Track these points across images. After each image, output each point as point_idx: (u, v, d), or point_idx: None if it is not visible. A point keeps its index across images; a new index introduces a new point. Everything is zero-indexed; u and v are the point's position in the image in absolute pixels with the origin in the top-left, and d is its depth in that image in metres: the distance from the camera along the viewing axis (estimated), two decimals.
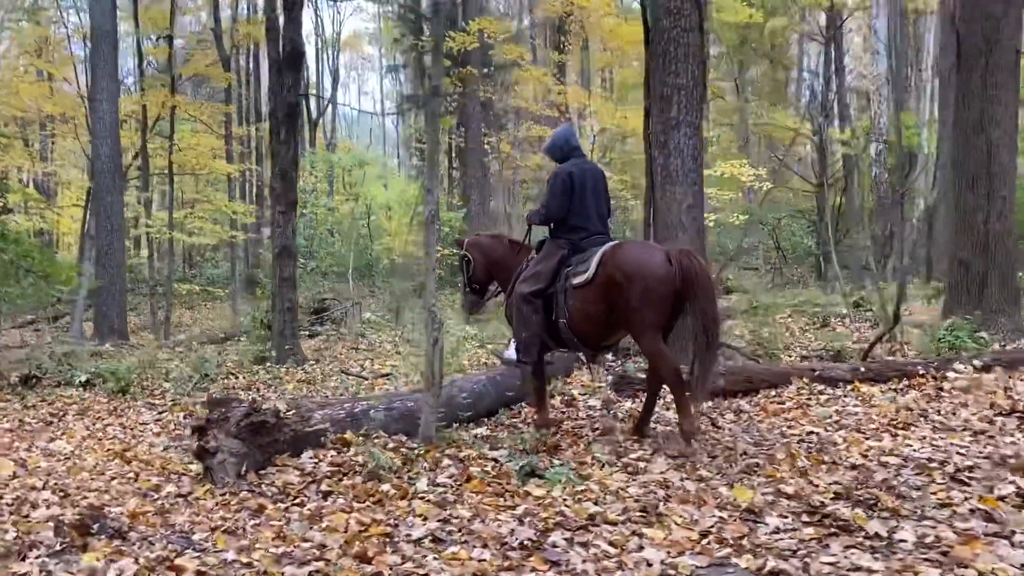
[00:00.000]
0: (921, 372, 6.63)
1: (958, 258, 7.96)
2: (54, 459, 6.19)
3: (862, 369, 6.72)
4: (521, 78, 18.11)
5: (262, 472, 4.61)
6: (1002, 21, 8.03)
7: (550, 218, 5.69)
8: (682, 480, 4.37)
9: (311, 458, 4.83)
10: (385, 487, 4.28)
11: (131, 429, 7.37)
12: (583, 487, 4.23)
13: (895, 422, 5.44)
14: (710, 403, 6.43)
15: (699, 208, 7.75)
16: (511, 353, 5.82)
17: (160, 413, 8.01)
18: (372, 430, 5.32)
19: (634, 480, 4.40)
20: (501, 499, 4.11)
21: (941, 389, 6.34)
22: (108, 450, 6.43)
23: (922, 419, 5.49)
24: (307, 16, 30.03)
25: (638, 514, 3.80)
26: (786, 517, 3.74)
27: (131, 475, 5.12)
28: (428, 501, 4.05)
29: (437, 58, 5.01)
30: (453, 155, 26.71)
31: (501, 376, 6.85)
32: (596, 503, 3.97)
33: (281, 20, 10.06)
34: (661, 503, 3.92)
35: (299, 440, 4.89)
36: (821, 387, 6.57)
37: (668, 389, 5.36)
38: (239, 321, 22.54)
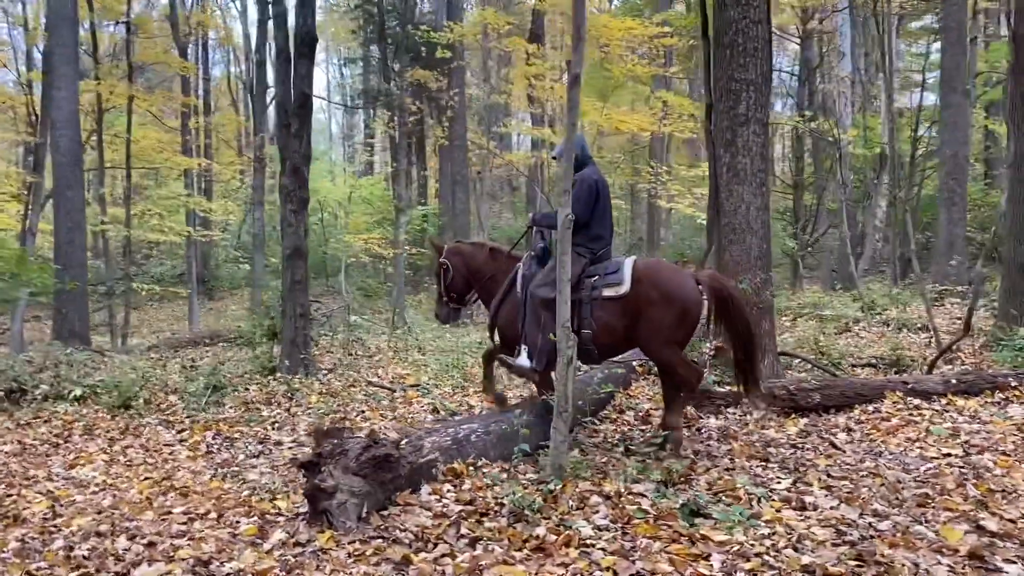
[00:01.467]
0: (1013, 384, 6.36)
1: (1018, 263, 7.72)
2: (88, 490, 5.50)
3: (954, 381, 6.41)
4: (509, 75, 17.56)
5: (384, 513, 4.01)
6: None
7: (580, 223, 5.27)
8: (860, 517, 3.93)
9: (430, 494, 4.25)
10: (540, 531, 3.73)
11: (155, 452, 6.65)
12: (763, 528, 3.76)
13: None
14: (806, 420, 6.09)
15: (767, 211, 7.36)
16: (523, 360, 5.51)
17: (180, 432, 7.28)
18: (475, 458, 4.80)
19: (808, 518, 3.94)
20: (680, 544, 3.61)
21: None
22: (147, 479, 5.74)
23: None
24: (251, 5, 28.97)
25: (854, 563, 3.35)
26: (1015, 563, 3.35)
27: (208, 514, 4.46)
28: (603, 550, 3.52)
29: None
30: (412, 150, 26.04)
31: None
32: (796, 549, 3.50)
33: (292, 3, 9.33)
34: (875, 548, 3.47)
35: (414, 473, 4.31)
36: (916, 401, 6.25)
37: (684, 389, 5.35)
38: (203, 325, 21.68)
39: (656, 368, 6.23)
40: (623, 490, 4.21)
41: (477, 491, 4.32)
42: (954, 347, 7.61)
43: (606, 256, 5.53)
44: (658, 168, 17.86)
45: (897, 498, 4.21)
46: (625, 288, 5.19)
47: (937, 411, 6.03)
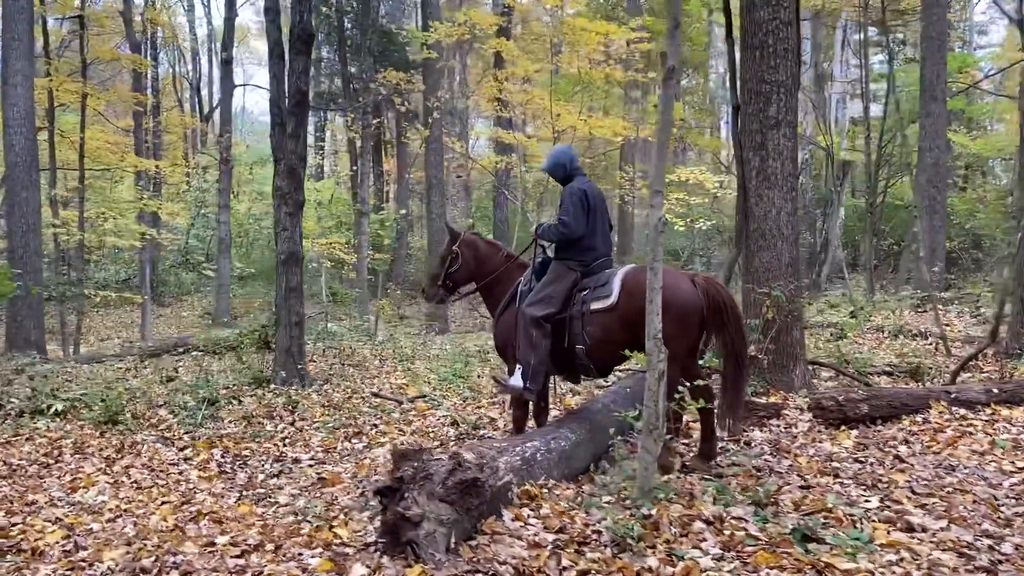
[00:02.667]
0: None
1: (1007, 270, 7.70)
2: (102, 517, 5.02)
3: (995, 391, 6.31)
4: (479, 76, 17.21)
5: (472, 543, 3.66)
6: None
7: (569, 236, 5.32)
8: (976, 539, 3.72)
9: (513, 519, 3.91)
10: (651, 562, 3.43)
11: (162, 472, 6.17)
12: (885, 554, 3.52)
13: None
14: (856, 432, 5.91)
15: (796, 216, 7.19)
16: (516, 380, 5.32)
17: (182, 450, 6.79)
18: (544, 479, 4.49)
19: (923, 541, 3.71)
20: (806, 574, 3.34)
21: None
22: (165, 503, 5.28)
23: None
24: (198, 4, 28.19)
25: None
26: None
27: (263, 546, 4.04)
28: None
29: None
30: (357, 150, 25.27)
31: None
32: None
33: None
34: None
35: (494, 498, 3.96)
36: (961, 411, 6.13)
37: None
38: (155, 333, 20.81)
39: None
40: (723, 514, 3.92)
41: (560, 516, 3.99)
42: (978, 356, 7.53)
43: (602, 267, 5.40)
44: (632, 174, 17.71)
45: (1001, 517, 4.02)
46: (612, 299, 5.09)
47: (987, 421, 5.91)
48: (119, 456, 6.63)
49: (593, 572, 3.40)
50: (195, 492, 5.56)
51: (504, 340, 5.61)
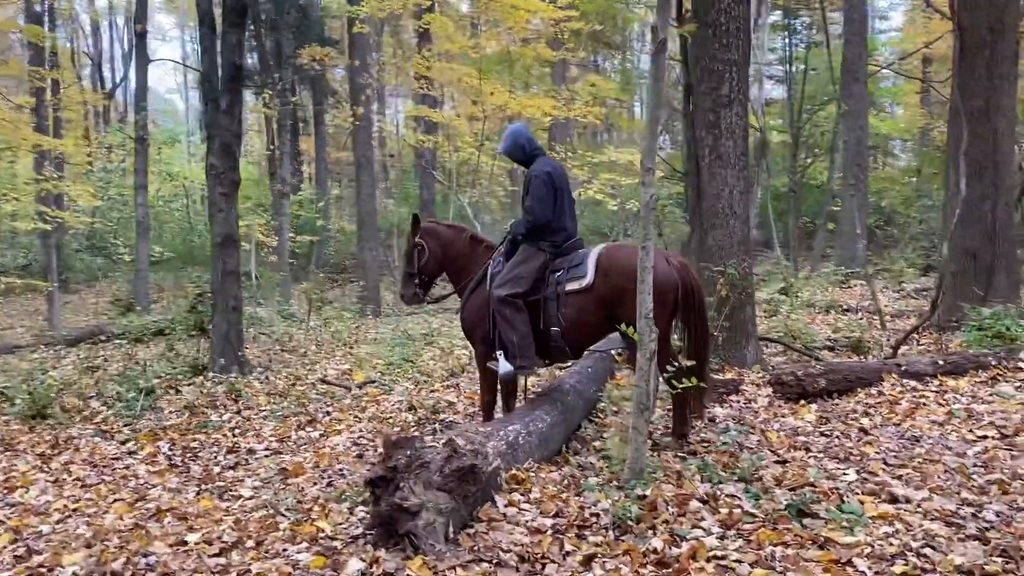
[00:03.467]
0: (993, 363, 6.54)
1: (964, 247, 7.99)
2: (50, 518, 4.69)
3: (941, 363, 6.52)
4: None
5: (470, 531, 3.55)
6: (1006, 10, 8.17)
7: (538, 223, 5.22)
8: (959, 507, 3.81)
9: (507, 506, 3.81)
10: (656, 544, 3.39)
11: (106, 468, 5.83)
12: (880, 526, 3.57)
13: None
14: (815, 406, 6.02)
15: (748, 194, 7.27)
16: (504, 365, 5.20)
17: (124, 443, 6.44)
18: (527, 462, 4.41)
19: (911, 512, 3.78)
20: (810, 550, 3.36)
21: None
22: (117, 500, 4.98)
23: None
24: None
25: (1001, 559, 3.20)
26: None
27: (244, 542, 3.84)
28: (740, 562, 3.23)
29: None
30: (275, 129, 24.49)
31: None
32: (933, 548, 3.32)
33: None
34: (1017, 544, 3.33)
35: (486, 484, 3.85)
36: (913, 383, 6.31)
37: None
38: (63, 320, 19.77)
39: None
40: (716, 492, 3.91)
41: (552, 499, 3.92)
42: (917, 329, 7.79)
43: (574, 247, 5.32)
44: (563, 153, 17.71)
45: (975, 485, 4.13)
46: (588, 280, 5.02)
47: (937, 392, 6.10)
48: (55, 452, 6.24)
49: (599, 556, 3.34)
50: (147, 488, 5.26)
51: (472, 323, 5.48)
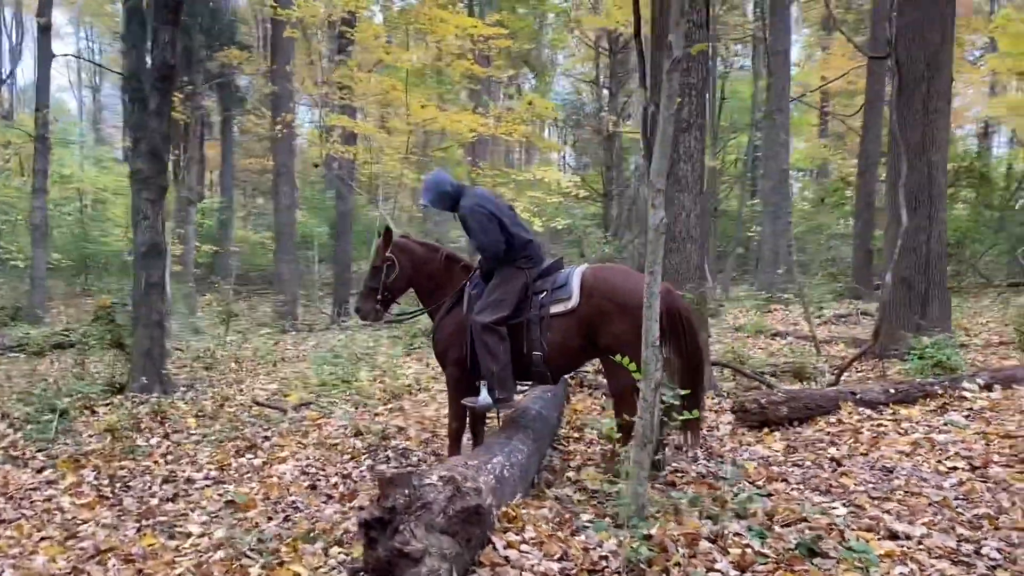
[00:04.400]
0: (939, 391, 6.66)
1: (900, 277, 8.18)
2: None
3: (892, 391, 6.60)
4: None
5: None
6: (940, 49, 8.45)
7: (496, 253, 5.05)
8: (959, 544, 3.77)
9: (506, 547, 3.55)
10: None
11: (24, 500, 5.28)
12: (895, 567, 3.48)
13: (1013, 450, 5.29)
14: (779, 434, 5.98)
15: (705, 218, 7.23)
16: (485, 397, 4.98)
17: (40, 472, 5.85)
18: (512, 496, 4.15)
19: (913, 549, 3.72)
20: None
21: (972, 410, 6.38)
22: (45, 539, 4.47)
23: None
24: None
25: None
26: None
27: None
28: None
29: None
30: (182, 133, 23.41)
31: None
32: None
33: None
34: None
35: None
36: (868, 411, 6.36)
37: (621, 426, 4.80)
38: None
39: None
40: (722, 531, 3.75)
41: (550, 539, 3.68)
42: (860, 356, 7.90)
43: (555, 267, 5.14)
44: (486, 171, 17.56)
45: (963, 519, 4.11)
46: (573, 302, 4.84)
47: (894, 420, 6.15)
48: None
49: None
50: (77, 524, 4.76)
51: (446, 345, 5.19)
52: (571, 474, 5.08)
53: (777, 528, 3.89)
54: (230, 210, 29.14)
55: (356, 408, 7.47)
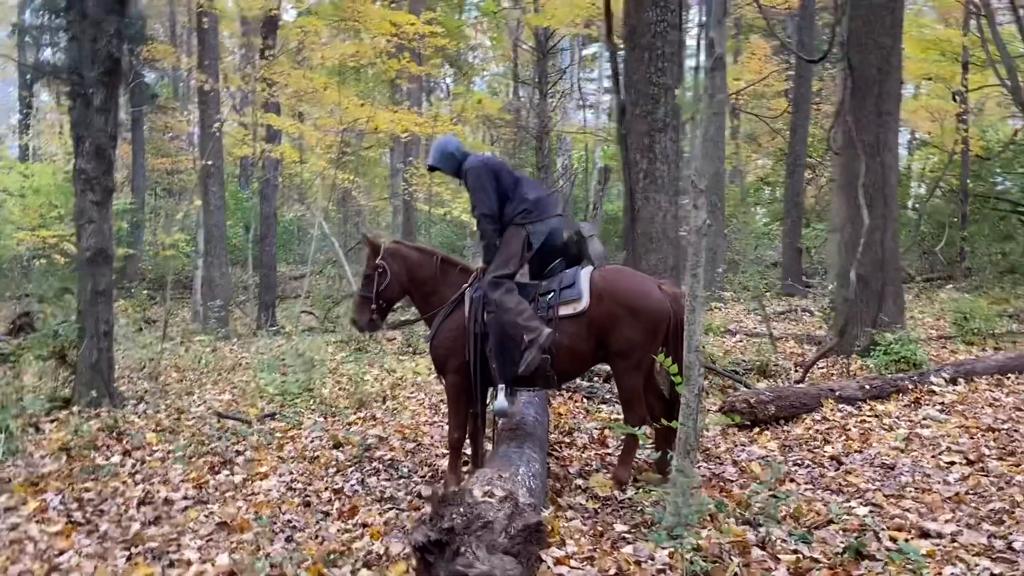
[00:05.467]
0: (910, 386, 6.83)
1: (858, 274, 8.36)
2: None
3: (867, 387, 6.73)
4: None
5: None
6: (891, 52, 8.69)
7: (487, 212, 4.94)
8: (990, 539, 3.81)
9: (556, 563, 3.40)
10: None
11: None
12: (945, 567, 3.48)
13: (998, 442, 5.43)
14: (768, 433, 6.00)
15: (679, 220, 7.23)
16: (502, 402, 4.83)
17: None
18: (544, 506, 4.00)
19: (952, 548, 3.74)
20: None
21: (944, 404, 6.56)
22: (25, 572, 4.08)
23: (1010, 435, 5.55)
24: None
25: None
26: None
27: None
28: None
29: None
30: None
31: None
32: None
33: None
34: None
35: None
36: (848, 408, 6.45)
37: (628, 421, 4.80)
38: None
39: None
40: (765, 537, 3.69)
41: (599, 554, 3.54)
42: (826, 354, 8.04)
43: (539, 210, 4.91)
44: (419, 169, 17.29)
45: (981, 513, 4.17)
46: (584, 304, 4.73)
47: (875, 416, 6.26)
48: None
49: None
50: (54, 553, 4.37)
51: (446, 352, 4.97)
52: (579, 481, 4.96)
53: (822, 532, 3.85)
54: (141, 211, 27.96)
55: (325, 418, 7.17)
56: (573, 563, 3.43)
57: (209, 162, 14.08)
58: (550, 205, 5.03)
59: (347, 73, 16.47)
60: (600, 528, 3.96)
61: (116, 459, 6.10)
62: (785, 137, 18.88)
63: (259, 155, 14.71)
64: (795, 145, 16.76)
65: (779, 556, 3.52)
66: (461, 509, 3.09)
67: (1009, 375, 7.29)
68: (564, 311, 4.70)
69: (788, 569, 3.40)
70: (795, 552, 3.55)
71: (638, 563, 3.44)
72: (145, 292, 22.43)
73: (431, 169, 5.40)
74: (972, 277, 15.75)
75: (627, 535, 3.83)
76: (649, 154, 6.97)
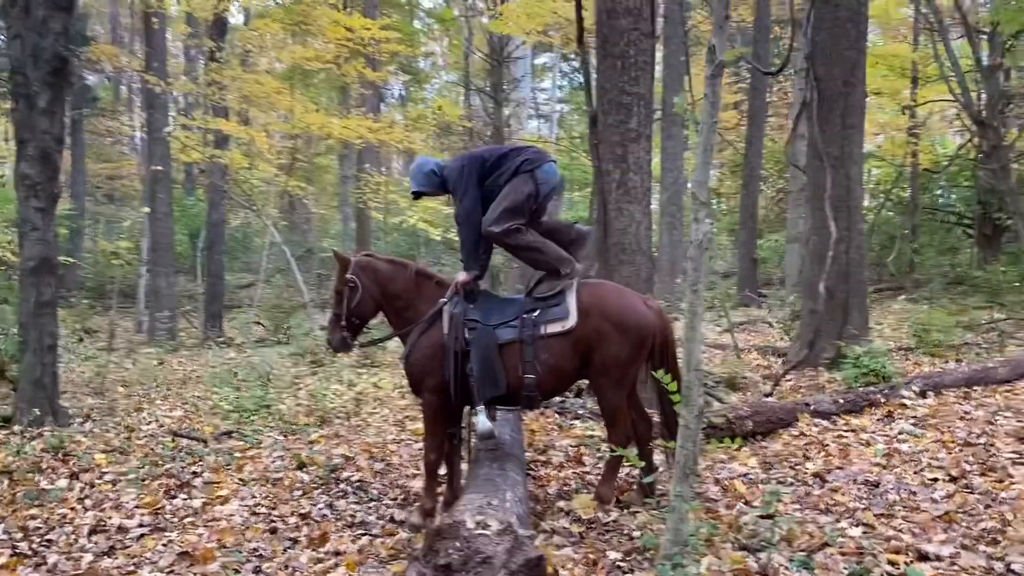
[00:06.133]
0: (882, 400, 6.80)
1: (823, 286, 8.35)
2: None
3: (840, 401, 6.68)
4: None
5: None
6: (856, 65, 8.72)
7: (466, 212, 4.73)
8: (989, 563, 3.72)
9: None
10: None
11: None
12: None
13: (976, 457, 5.39)
14: (748, 449, 5.89)
15: (651, 229, 7.11)
16: (484, 423, 4.59)
17: None
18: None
19: (944, 570, 3.64)
20: None
21: (916, 417, 6.53)
22: None
23: (987, 449, 5.52)
24: None
25: None
26: None
27: None
28: None
29: None
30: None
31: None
32: None
33: None
34: None
35: None
36: (823, 423, 6.39)
37: (609, 448, 4.66)
38: None
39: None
40: (767, 565, 3.54)
41: None
42: (796, 367, 8.00)
43: (539, 157, 4.75)
44: (373, 177, 16.99)
45: (973, 532, 4.09)
46: (572, 322, 4.55)
47: (852, 431, 6.20)
48: None
49: None
50: None
51: (422, 370, 4.71)
52: (561, 503, 4.77)
53: (821, 557, 3.72)
54: (81, 218, 27.09)
55: (286, 436, 6.87)
56: None
57: (159, 167, 13.56)
58: (545, 152, 4.89)
59: (296, 78, 16.06)
60: (592, 556, 3.77)
61: (63, 483, 5.74)
62: (737, 148, 19.04)
63: (208, 161, 14.21)
64: (751, 157, 16.88)
65: None
66: (457, 544, 2.88)
67: (975, 387, 7.31)
68: (551, 329, 4.51)
69: None
70: None
71: None
72: (86, 302, 21.72)
73: (416, 196, 5.18)
74: (922, 288, 15.99)
75: (621, 563, 3.65)
76: (622, 164, 6.84)
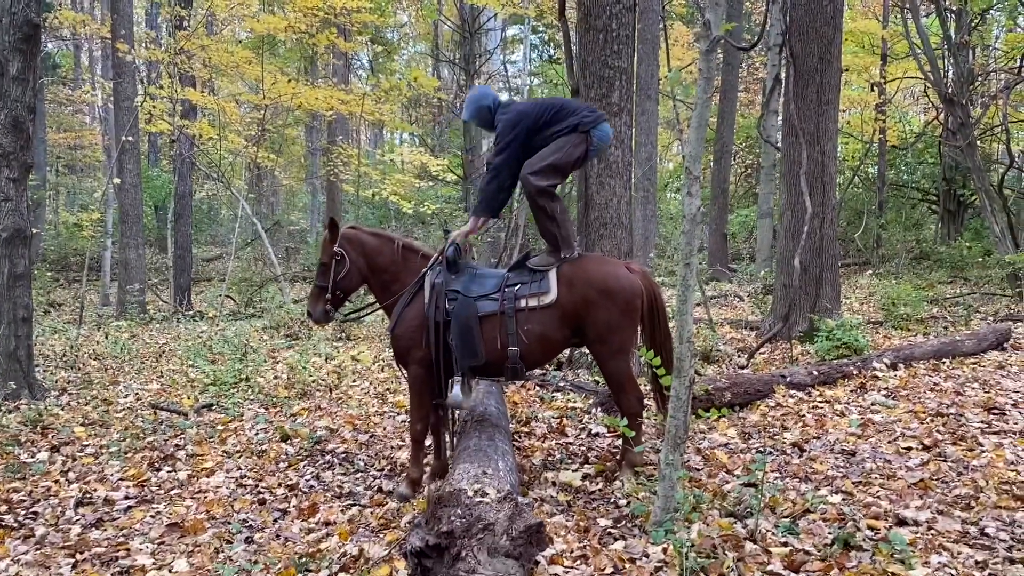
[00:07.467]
0: (855, 372, 6.96)
1: (798, 261, 8.49)
2: None
3: (816, 373, 6.82)
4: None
5: None
6: (832, 41, 8.81)
7: (502, 164, 4.78)
8: (964, 525, 3.86)
9: (550, 562, 3.27)
10: None
11: None
12: (932, 556, 3.50)
13: (947, 427, 5.55)
14: (726, 420, 6.01)
15: (631, 205, 7.16)
16: (456, 394, 4.67)
17: None
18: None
19: (935, 537, 3.77)
20: None
21: (888, 389, 6.70)
22: None
23: (957, 419, 5.69)
24: None
25: None
26: None
27: None
28: None
29: None
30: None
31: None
32: None
33: None
34: None
35: None
36: (799, 394, 6.53)
37: (626, 416, 4.69)
38: None
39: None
40: (753, 529, 3.64)
41: (591, 552, 3.43)
42: (771, 339, 8.13)
43: (594, 114, 4.80)
44: (345, 149, 16.83)
45: (948, 498, 4.23)
46: (552, 296, 4.62)
47: (826, 402, 6.34)
48: None
49: None
50: None
51: (408, 342, 4.74)
52: (549, 474, 4.84)
53: (806, 523, 3.83)
54: (42, 188, 26.55)
55: (267, 409, 6.87)
56: (566, 562, 3.31)
57: (129, 138, 13.32)
58: (601, 112, 4.93)
59: (263, 48, 15.83)
60: (583, 523, 3.85)
61: (44, 456, 5.70)
62: (709, 124, 19.13)
63: (175, 131, 13.99)
64: (722, 132, 16.98)
65: (770, 549, 3.47)
66: (459, 511, 2.93)
67: (944, 359, 7.51)
68: (532, 302, 4.56)
69: (784, 563, 3.35)
70: (785, 544, 3.51)
71: (632, 560, 3.34)
72: (49, 274, 21.37)
73: (466, 122, 5.22)
74: (888, 263, 16.28)
75: (612, 530, 3.74)
76: None
